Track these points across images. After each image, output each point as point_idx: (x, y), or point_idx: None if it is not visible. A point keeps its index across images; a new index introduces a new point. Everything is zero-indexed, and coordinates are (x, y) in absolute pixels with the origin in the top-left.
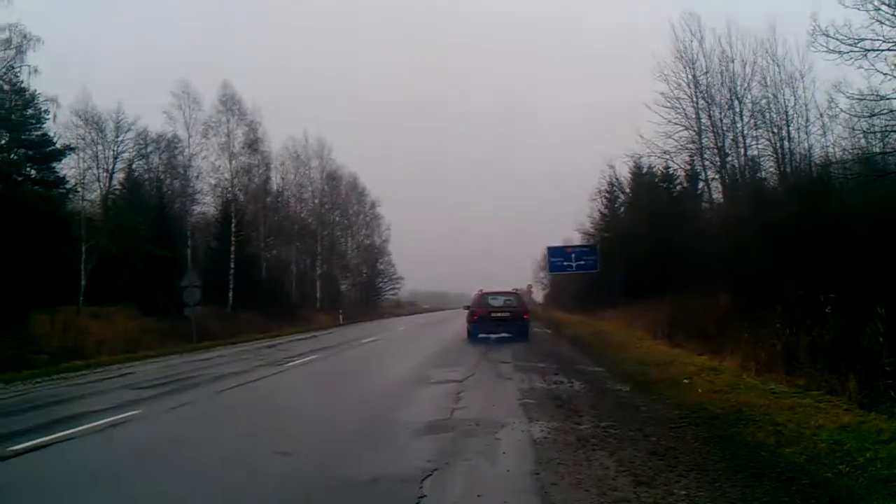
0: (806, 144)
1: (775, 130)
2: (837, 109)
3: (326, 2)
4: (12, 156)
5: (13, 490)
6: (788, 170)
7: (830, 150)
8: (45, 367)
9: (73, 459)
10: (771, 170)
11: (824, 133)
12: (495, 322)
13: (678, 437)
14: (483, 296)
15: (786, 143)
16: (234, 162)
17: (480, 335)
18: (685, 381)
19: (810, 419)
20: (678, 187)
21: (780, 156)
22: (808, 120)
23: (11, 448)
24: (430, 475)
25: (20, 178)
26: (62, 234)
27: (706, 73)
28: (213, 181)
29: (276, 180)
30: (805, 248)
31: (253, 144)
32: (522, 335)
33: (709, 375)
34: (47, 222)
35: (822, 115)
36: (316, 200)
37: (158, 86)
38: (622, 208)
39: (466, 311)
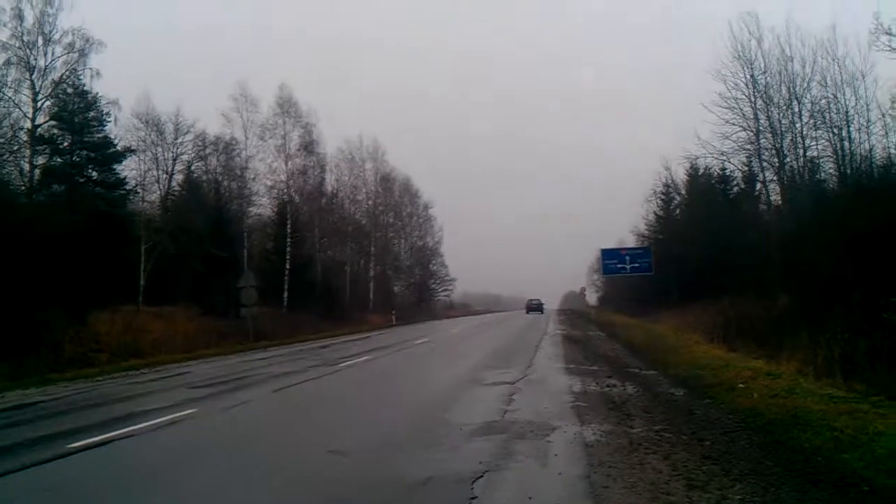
0: (867, 145)
1: (835, 131)
2: None
3: (387, 11)
4: (75, 157)
5: (72, 486)
6: (849, 171)
7: (893, 150)
8: (106, 366)
9: (130, 457)
10: (831, 171)
11: (886, 133)
12: (533, 308)
13: (733, 441)
14: (530, 299)
15: (846, 143)
16: (289, 164)
17: (529, 313)
18: (741, 385)
19: (869, 425)
20: (735, 189)
21: (840, 157)
22: (869, 120)
23: (71, 445)
24: (482, 476)
25: (82, 180)
26: (122, 234)
27: (764, 72)
28: (269, 183)
29: (330, 182)
30: (865, 251)
31: (308, 146)
32: (541, 311)
33: (765, 380)
34: (108, 223)
35: (884, 115)
36: (370, 202)
37: (217, 88)
38: (678, 210)
39: (524, 309)
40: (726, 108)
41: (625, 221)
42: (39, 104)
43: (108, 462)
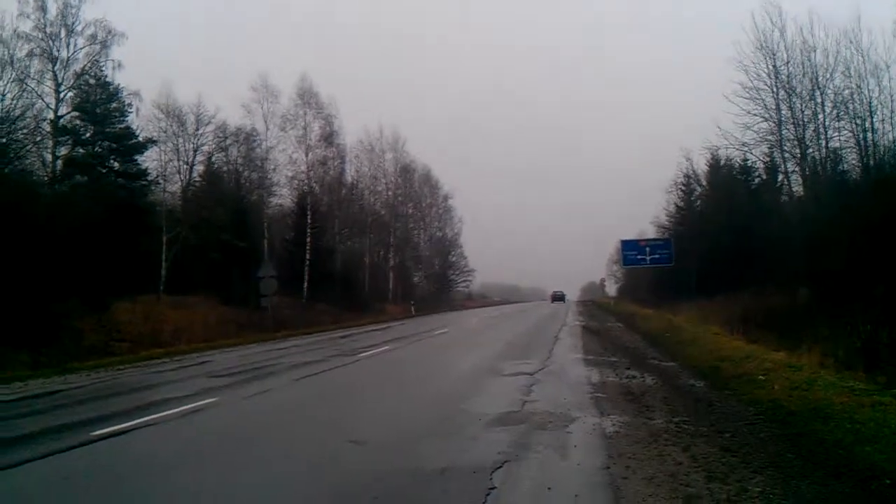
0: (891, 136)
1: (858, 122)
2: None
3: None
4: (97, 148)
5: (95, 473)
6: (872, 162)
7: None
8: (127, 355)
9: (152, 445)
10: (853, 162)
11: None
12: (557, 298)
13: (753, 433)
14: (554, 291)
15: (869, 134)
16: (310, 155)
17: (553, 302)
18: (761, 377)
19: (891, 418)
20: (756, 180)
21: (863, 148)
22: (893, 111)
23: (94, 433)
24: (501, 467)
25: (104, 170)
26: (144, 224)
27: (787, 63)
28: (289, 173)
29: (350, 173)
30: (888, 243)
31: (329, 137)
32: (563, 300)
33: (786, 372)
34: (129, 213)
35: None
36: (389, 193)
37: (238, 79)
38: (698, 201)
39: (548, 300)
40: (748, 98)
41: (645, 213)
42: (62, 95)
43: (130, 450)
